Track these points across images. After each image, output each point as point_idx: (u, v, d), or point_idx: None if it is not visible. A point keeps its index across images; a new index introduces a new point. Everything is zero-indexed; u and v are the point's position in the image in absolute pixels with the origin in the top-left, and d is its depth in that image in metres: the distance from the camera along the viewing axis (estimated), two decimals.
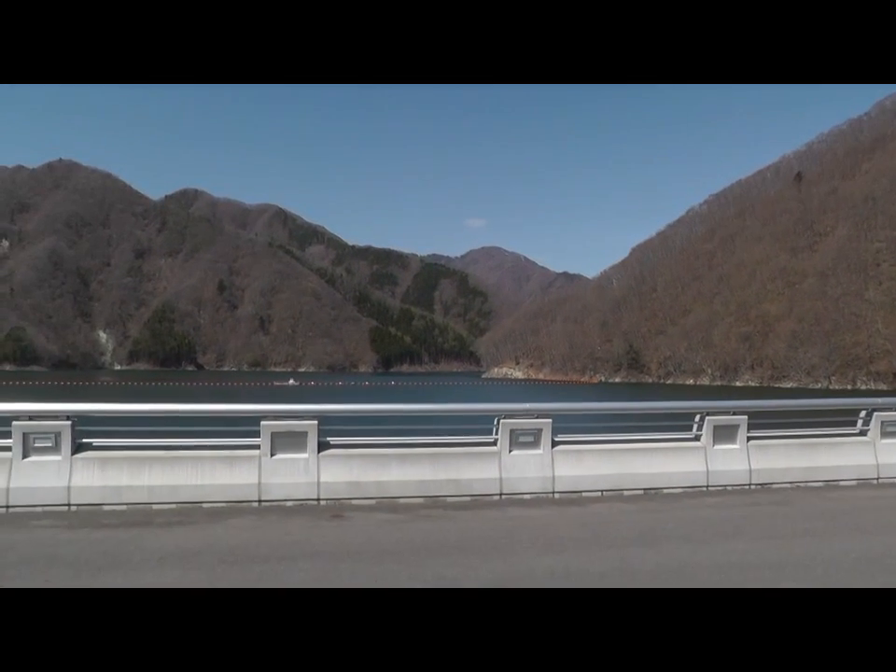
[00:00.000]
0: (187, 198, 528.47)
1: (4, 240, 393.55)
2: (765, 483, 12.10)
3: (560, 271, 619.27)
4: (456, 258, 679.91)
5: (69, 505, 9.76)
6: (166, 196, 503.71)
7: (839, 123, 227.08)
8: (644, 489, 11.43)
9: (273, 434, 10.35)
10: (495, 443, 11.12)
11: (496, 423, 11.13)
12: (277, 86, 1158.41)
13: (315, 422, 10.50)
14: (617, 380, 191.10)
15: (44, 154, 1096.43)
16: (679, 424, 12.67)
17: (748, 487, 11.97)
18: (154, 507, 9.86)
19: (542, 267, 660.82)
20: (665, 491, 11.50)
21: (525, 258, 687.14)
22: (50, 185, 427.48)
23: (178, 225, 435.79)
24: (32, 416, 10.04)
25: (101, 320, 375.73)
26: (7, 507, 9.59)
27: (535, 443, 11.12)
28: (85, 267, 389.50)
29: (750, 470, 12.06)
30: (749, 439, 12.27)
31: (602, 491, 11.20)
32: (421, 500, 10.43)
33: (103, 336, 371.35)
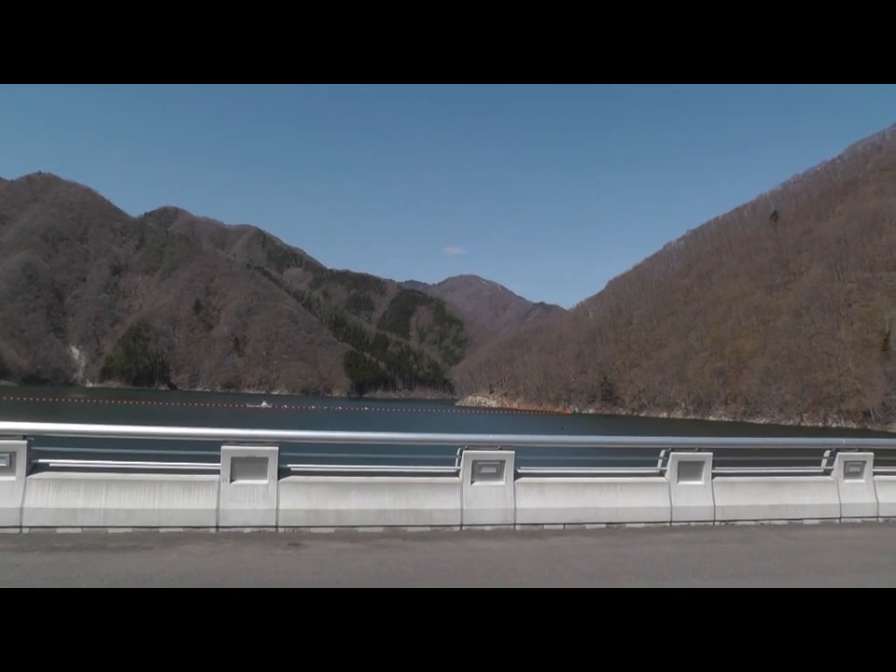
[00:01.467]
0: (166, 216, 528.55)
1: None
2: (729, 520, 12.06)
3: (537, 301, 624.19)
4: (434, 285, 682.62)
5: (21, 527, 9.57)
6: (145, 213, 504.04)
7: (814, 165, 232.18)
8: (607, 523, 11.35)
9: (233, 459, 10.21)
10: (457, 474, 11.04)
11: (458, 453, 11.06)
12: (261, 107, 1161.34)
13: (276, 448, 10.37)
14: (591, 411, 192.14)
15: (23, 166, 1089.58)
16: (645, 459, 12.64)
17: (712, 524, 11.93)
18: (109, 531, 9.69)
19: (519, 297, 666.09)
20: (629, 526, 11.43)
21: (502, 287, 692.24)
22: (28, 197, 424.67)
23: (157, 243, 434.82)
24: None
25: (74, 336, 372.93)
26: None
27: (497, 475, 11.04)
28: (60, 281, 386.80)
29: (715, 507, 12.02)
30: (714, 475, 12.23)
31: (564, 524, 11.11)
32: (381, 530, 10.32)
33: (75, 352, 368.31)
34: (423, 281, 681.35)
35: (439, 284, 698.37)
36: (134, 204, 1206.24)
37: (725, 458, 12.92)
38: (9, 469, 9.69)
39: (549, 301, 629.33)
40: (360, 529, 10.28)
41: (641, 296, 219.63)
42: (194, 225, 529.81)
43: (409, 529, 10.44)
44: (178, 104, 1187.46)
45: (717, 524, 11.96)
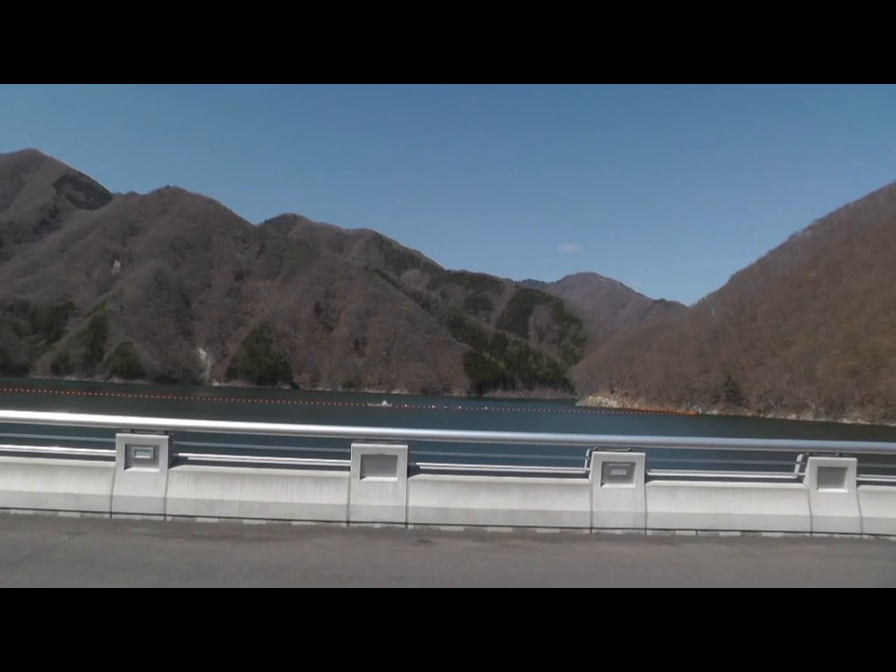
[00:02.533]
0: (285, 223, 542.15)
1: (116, 261, 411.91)
2: (881, 535, 11.12)
3: (656, 298, 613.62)
4: (551, 283, 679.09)
5: (165, 515, 10.19)
6: (266, 221, 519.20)
7: None
8: (741, 531, 10.84)
9: (363, 456, 10.42)
10: (586, 475, 10.83)
11: (588, 454, 10.84)
12: (375, 112, 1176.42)
13: (406, 446, 10.51)
14: (714, 412, 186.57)
15: (154, 181, 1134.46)
16: (780, 463, 11.93)
17: (858, 537, 11.07)
18: (244, 521, 10.13)
19: (638, 294, 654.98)
20: (764, 535, 10.84)
21: (620, 284, 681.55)
22: (158, 210, 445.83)
23: (277, 248, 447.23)
24: (134, 429, 10.53)
25: (201, 338, 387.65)
26: (111, 513, 10.16)
27: (627, 477, 10.77)
28: (187, 287, 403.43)
29: (861, 518, 11.15)
30: (858, 483, 11.36)
31: (696, 530, 10.72)
32: (509, 530, 10.26)
33: (202, 353, 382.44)
34: (540, 280, 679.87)
35: (556, 282, 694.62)
36: (255, 213, 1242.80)
37: (873, 465, 11.88)
38: (153, 461, 10.35)
39: (669, 298, 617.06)
40: (489, 529, 10.25)
41: (766, 291, 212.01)
42: (313, 230, 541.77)
43: (538, 530, 10.33)
44: (296, 115, 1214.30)
45: (864, 537, 11.06)
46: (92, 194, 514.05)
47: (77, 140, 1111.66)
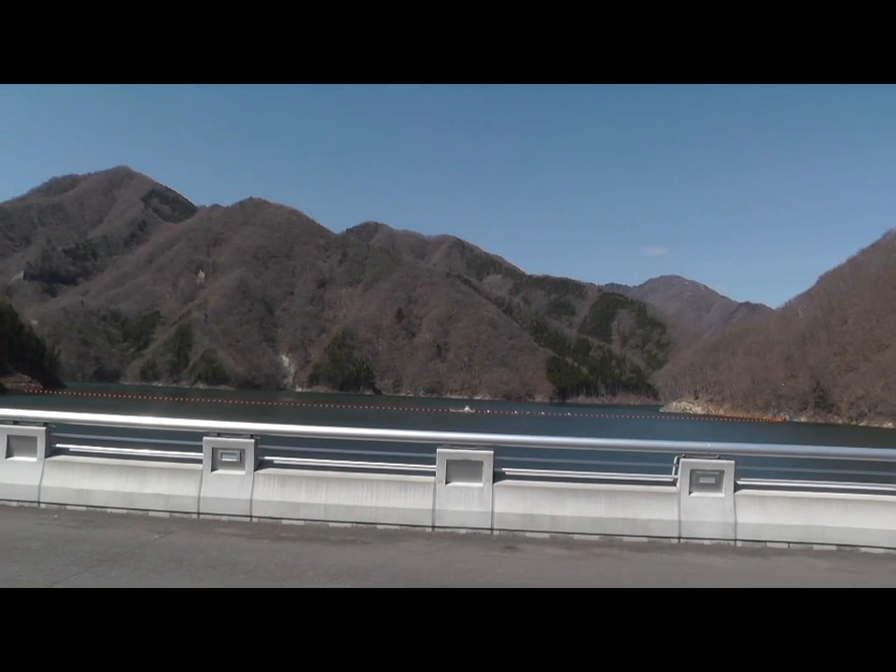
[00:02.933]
0: (367, 231, 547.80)
1: (201, 271, 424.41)
2: None
3: (742, 300, 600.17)
4: (634, 287, 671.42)
5: (251, 517, 10.45)
6: (347, 229, 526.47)
7: None
8: (837, 545, 10.26)
9: (448, 462, 10.44)
10: (674, 483, 10.61)
11: (675, 462, 10.61)
12: (460, 120, 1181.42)
13: (491, 452, 10.48)
14: (803, 419, 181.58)
15: (237, 193, 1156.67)
16: (881, 474, 11.22)
17: None
18: (330, 524, 10.27)
19: (723, 296, 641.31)
20: (863, 550, 10.17)
21: (704, 287, 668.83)
22: (241, 221, 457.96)
23: (359, 256, 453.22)
24: (220, 433, 10.83)
25: (284, 345, 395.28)
26: (198, 513, 10.51)
27: (716, 486, 10.46)
28: (270, 295, 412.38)
29: None
30: None
31: (789, 543, 10.27)
32: (596, 538, 10.11)
33: (285, 360, 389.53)
34: (623, 283, 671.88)
35: (640, 286, 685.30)
36: (337, 222, 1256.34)
37: None
38: (239, 464, 10.63)
39: (754, 301, 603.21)
40: (575, 536, 10.13)
41: (857, 292, 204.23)
42: (394, 238, 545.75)
43: (625, 539, 10.16)
44: (375, 125, 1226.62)
45: None
46: (178, 207, 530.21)
47: (162, 156, 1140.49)
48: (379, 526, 10.23)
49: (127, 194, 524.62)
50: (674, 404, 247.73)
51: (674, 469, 10.66)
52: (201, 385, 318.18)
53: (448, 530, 10.18)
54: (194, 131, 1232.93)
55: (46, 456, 11.11)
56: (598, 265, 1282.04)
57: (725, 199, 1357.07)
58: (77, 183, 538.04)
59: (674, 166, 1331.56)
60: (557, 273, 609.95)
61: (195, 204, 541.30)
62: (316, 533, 9.84)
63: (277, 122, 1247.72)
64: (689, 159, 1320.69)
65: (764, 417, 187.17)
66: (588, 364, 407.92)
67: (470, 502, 10.32)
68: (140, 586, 6.91)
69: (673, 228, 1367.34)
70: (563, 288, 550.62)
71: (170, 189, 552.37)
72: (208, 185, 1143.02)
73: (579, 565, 8.81)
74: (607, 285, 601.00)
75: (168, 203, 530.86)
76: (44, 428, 11.16)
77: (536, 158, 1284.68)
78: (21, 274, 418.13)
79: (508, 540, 9.82)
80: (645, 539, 10.20)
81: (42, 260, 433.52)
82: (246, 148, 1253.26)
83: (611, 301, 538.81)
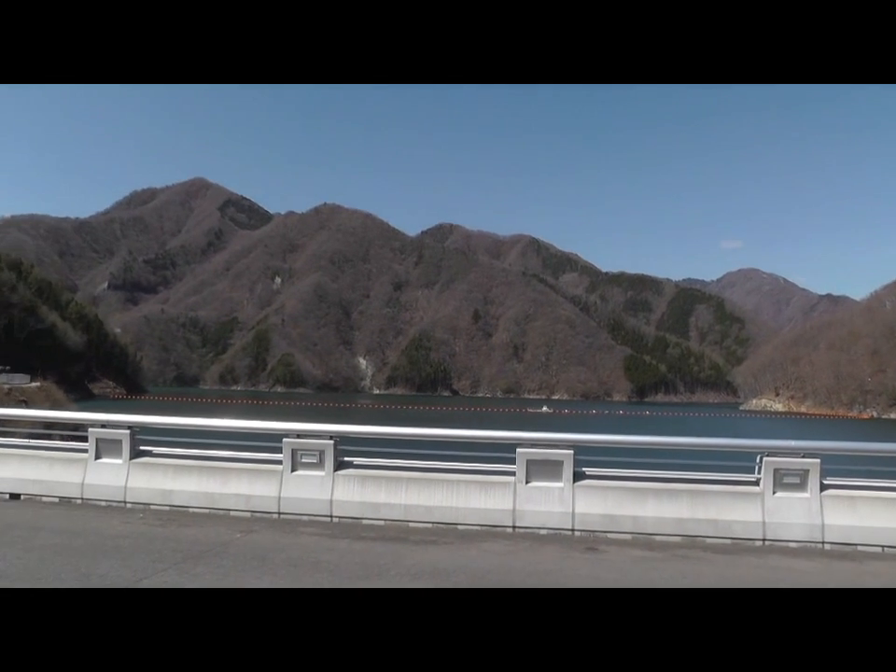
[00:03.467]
0: (442, 232, 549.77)
1: (277, 277, 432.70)
2: None
3: (823, 293, 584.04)
4: (712, 281, 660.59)
5: (331, 517, 10.60)
6: (422, 231, 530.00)
7: None
8: None
9: (528, 461, 10.37)
10: (757, 483, 10.29)
11: (758, 461, 10.31)
12: (532, 118, 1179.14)
13: (571, 451, 10.38)
14: (893, 416, 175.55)
15: (311, 200, 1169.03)
16: None
17: None
18: (410, 524, 10.33)
19: (803, 289, 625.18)
20: None
21: (784, 279, 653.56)
22: (316, 226, 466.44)
23: (434, 258, 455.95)
24: (300, 434, 11.04)
25: (361, 348, 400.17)
26: (279, 513, 10.76)
27: (801, 486, 10.08)
28: (347, 299, 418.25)
29: None
30: None
31: (882, 546, 9.74)
32: (678, 539, 9.91)
33: (362, 362, 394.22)
34: (700, 278, 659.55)
35: (717, 280, 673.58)
36: (411, 224, 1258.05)
37: None
38: (319, 465, 10.81)
39: (836, 293, 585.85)
40: (657, 538, 9.95)
41: None
42: (469, 238, 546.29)
43: (707, 540, 9.92)
44: (446, 126, 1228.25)
45: None
46: (253, 216, 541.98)
47: (237, 166, 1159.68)
48: (460, 527, 10.23)
49: (203, 204, 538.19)
50: (754, 401, 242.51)
51: (757, 468, 10.35)
52: (279, 389, 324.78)
53: (529, 531, 10.11)
54: (267, 140, 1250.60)
55: (131, 458, 11.57)
56: (675, 260, 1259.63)
57: (803, 189, 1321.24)
58: (155, 195, 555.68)
59: (749, 159, 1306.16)
60: (633, 269, 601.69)
61: (270, 212, 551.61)
62: (397, 533, 9.91)
63: (349, 128, 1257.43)
64: (762, 153, 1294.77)
65: (850, 414, 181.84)
66: (666, 361, 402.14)
67: (551, 502, 10.22)
68: (224, 583, 7.14)
69: (750, 220, 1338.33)
70: (639, 285, 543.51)
71: (245, 198, 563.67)
72: (283, 192, 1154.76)
73: (661, 567, 8.63)
74: (683, 280, 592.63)
75: (244, 212, 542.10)
76: (128, 432, 11.61)
77: (609, 156, 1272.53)
78: (105, 285, 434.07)
79: (589, 541, 9.73)
80: (728, 541, 9.93)
81: (124, 271, 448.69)
82: (319, 155, 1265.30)
83: (689, 296, 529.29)
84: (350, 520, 10.52)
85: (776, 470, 10.14)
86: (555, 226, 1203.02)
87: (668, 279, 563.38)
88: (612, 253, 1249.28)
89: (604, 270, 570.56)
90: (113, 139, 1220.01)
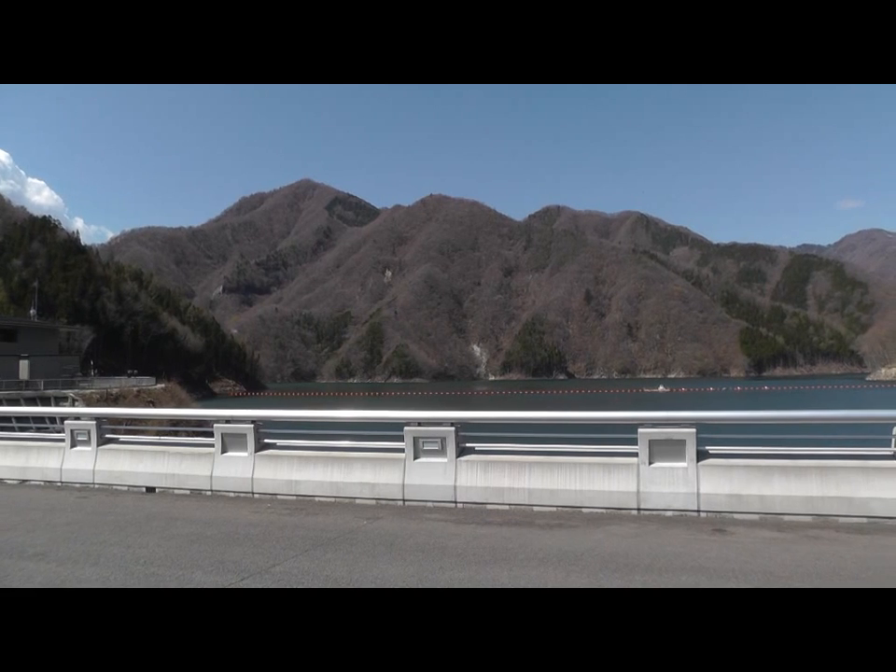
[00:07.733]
0: (549, 215, 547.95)
1: (387, 271, 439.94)
2: None
3: None
4: (829, 246, 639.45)
5: (455, 502, 10.72)
6: (529, 215, 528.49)
7: None
8: None
9: (650, 441, 10.17)
10: (894, 457, 9.77)
11: (894, 433, 9.85)
12: (635, 100, 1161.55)
13: (694, 430, 10.09)
14: None
15: (417, 192, 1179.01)
16: None
17: None
18: (534, 509, 10.33)
19: None
20: None
21: None
22: (424, 218, 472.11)
23: (543, 241, 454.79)
24: (420, 423, 11.19)
25: (474, 335, 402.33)
26: (404, 500, 10.98)
27: None
28: (457, 288, 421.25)
29: None
30: None
31: None
32: (808, 519, 9.45)
33: (476, 349, 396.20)
34: (816, 243, 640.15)
35: (835, 244, 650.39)
36: (518, 209, 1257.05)
37: None
38: (441, 451, 10.97)
39: None
40: (786, 517, 9.55)
41: None
42: (577, 219, 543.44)
43: (840, 520, 9.34)
44: (550, 108, 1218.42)
45: None
46: (361, 212, 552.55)
47: (341, 165, 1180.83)
48: (584, 510, 10.15)
49: (311, 205, 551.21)
50: (883, 371, 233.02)
51: (894, 440, 9.88)
52: (395, 379, 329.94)
53: (654, 513, 9.95)
54: (369, 137, 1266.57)
55: (255, 451, 12.08)
56: (788, 226, 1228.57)
57: None
58: (264, 200, 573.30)
59: (866, 112, 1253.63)
60: (745, 239, 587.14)
61: (377, 207, 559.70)
62: (522, 517, 9.92)
63: (450, 119, 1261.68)
64: (879, 104, 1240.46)
65: None
66: (784, 333, 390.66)
67: (675, 483, 10.00)
68: (354, 568, 7.32)
69: (869, 177, 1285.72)
70: (752, 255, 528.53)
71: (352, 196, 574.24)
72: (388, 187, 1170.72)
73: (794, 549, 8.22)
74: (799, 246, 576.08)
75: (351, 209, 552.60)
76: (252, 426, 12.10)
77: (716, 122, 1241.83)
78: (220, 289, 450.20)
79: (716, 522, 9.48)
80: (865, 520, 9.30)
81: (237, 274, 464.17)
82: (422, 148, 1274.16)
83: (805, 263, 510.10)
84: (474, 505, 10.58)
85: None
86: (663, 200, 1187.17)
87: (782, 246, 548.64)
88: (723, 224, 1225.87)
89: (714, 241, 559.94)
90: (223, 149, 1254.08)
